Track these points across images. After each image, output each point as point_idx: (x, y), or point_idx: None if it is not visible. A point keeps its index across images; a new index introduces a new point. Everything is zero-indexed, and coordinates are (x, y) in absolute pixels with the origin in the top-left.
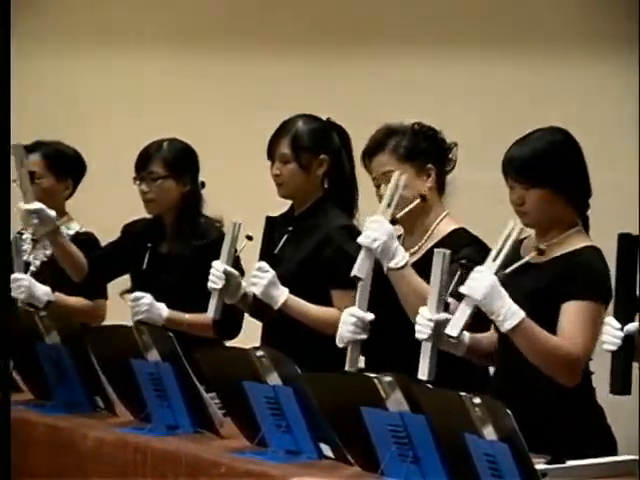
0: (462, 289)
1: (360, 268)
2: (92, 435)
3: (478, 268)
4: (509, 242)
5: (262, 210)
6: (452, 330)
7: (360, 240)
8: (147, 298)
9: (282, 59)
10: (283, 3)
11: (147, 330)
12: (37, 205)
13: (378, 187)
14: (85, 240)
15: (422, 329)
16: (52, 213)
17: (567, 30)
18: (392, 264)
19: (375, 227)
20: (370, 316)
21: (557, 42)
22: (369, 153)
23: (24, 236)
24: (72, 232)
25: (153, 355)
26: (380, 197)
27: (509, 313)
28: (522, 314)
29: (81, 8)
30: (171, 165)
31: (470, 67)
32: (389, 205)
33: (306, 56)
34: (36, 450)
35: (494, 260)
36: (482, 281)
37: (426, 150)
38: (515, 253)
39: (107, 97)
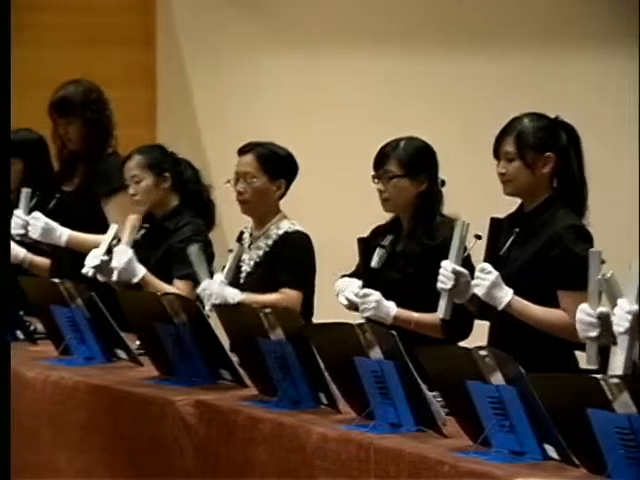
0: None
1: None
2: (316, 431)
3: None
4: None
5: (491, 210)
6: None
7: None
8: (375, 295)
9: (511, 60)
10: (510, 5)
11: (370, 328)
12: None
13: None
14: (295, 239)
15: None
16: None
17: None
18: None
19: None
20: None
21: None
22: None
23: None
24: (281, 231)
25: (376, 353)
26: None
27: None
28: None
29: (310, 12)
30: (406, 164)
31: None
32: None
33: (532, 57)
34: (263, 446)
35: None
36: None
37: None
38: None
39: (337, 96)
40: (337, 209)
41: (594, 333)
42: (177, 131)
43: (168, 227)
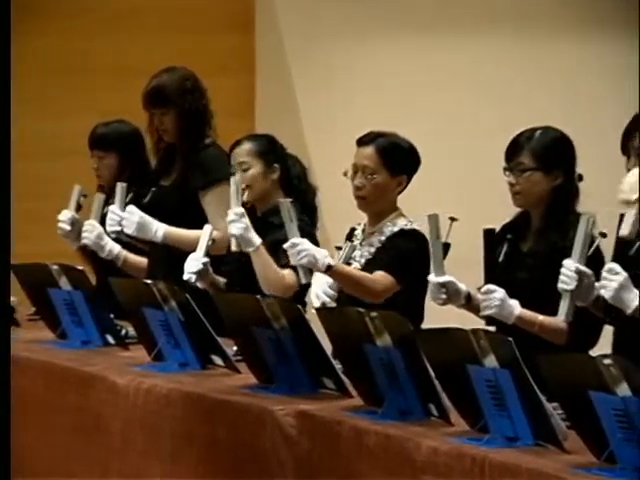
0: None
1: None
2: (426, 445)
3: None
4: None
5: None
6: None
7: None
8: (499, 293)
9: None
10: None
11: (484, 334)
12: (447, 278)
13: None
14: (408, 235)
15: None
16: (462, 287)
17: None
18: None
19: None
20: None
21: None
22: None
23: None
24: (396, 229)
25: (491, 361)
26: None
27: None
28: None
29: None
30: (540, 157)
31: None
32: None
33: None
34: (367, 459)
35: None
36: None
37: None
38: None
39: (445, 88)
40: (451, 207)
41: None
42: (277, 120)
43: (274, 222)
